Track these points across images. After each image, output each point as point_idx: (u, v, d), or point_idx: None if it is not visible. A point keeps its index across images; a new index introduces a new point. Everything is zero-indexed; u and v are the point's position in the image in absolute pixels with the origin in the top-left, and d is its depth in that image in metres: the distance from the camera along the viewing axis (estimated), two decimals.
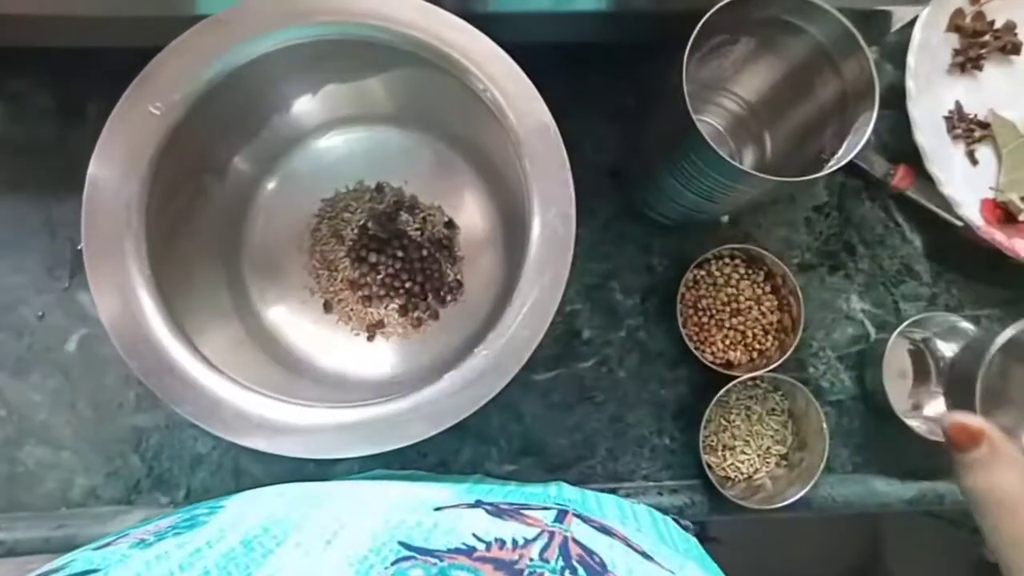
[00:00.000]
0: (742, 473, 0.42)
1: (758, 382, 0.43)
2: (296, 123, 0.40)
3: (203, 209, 0.37)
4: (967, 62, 0.48)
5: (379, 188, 0.42)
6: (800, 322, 0.41)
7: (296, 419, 0.30)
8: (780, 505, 0.39)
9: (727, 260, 0.43)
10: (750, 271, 0.43)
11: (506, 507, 0.26)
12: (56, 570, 0.18)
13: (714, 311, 0.42)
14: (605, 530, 0.26)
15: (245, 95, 0.35)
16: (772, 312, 0.43)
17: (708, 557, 0.32)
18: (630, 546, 0.25)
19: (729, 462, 0.42)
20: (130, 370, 0.41)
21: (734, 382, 0.39)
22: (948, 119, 0.47)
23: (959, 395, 0.38)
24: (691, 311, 0.42)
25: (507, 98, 0.32)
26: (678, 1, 0.35)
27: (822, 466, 0.39)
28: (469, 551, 0.20)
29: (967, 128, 0.47)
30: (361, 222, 0.42)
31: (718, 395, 0.39)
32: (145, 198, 0.31)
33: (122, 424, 0.41)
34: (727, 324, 0.42)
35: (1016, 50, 0.48)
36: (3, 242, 0.42)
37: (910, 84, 0.45)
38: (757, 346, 0.42)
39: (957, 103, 0.47)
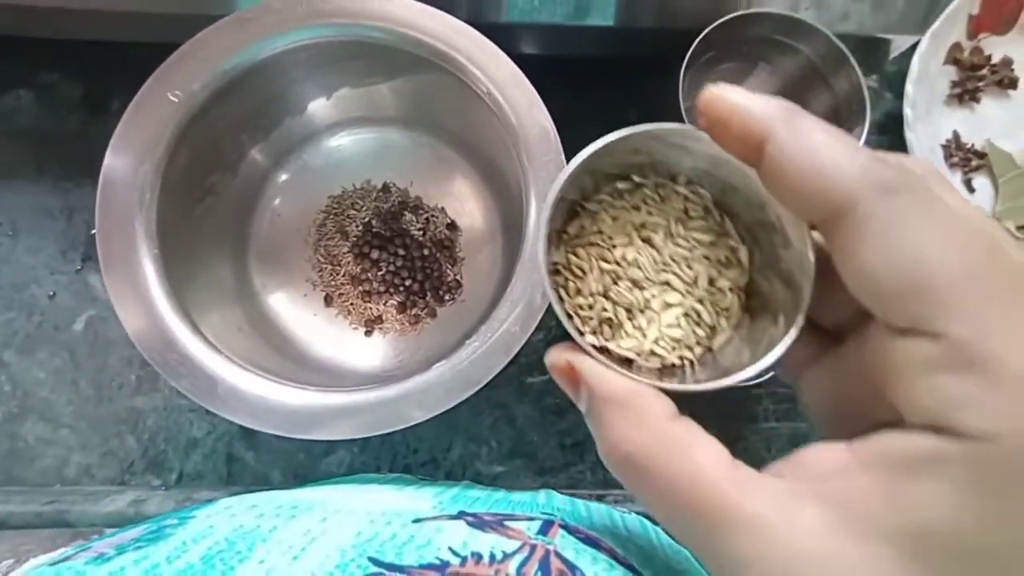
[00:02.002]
0: (685, 355, 0.18)
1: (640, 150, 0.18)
2: (308, 122, 0.42)
3: (214, 198, 0.39)
4: (965, 94, 0.49)
5: (385, 188, 0.44)
6: None
7: (290, 400, 0.31)
8: (744, 377, 0.16)
9: None
10: None
11: (489, 518, 0.25)
12: None
13: None
14: (592, 542, 0.25)
15: (262, 92, 0.37)
16: None
17: (703, 571, 0.31)
18: (616, 559, 0.24)
19: (647, 342, 0.18)
20: (133, 353, 0.42)
21: (584, 157, 0.17)
22: (945, 147, 0.48)
23: None
24: None
25: (509, 101, 0.33)
26: (679, 19, 0.37)
27: (806, 300, 0.16)
28: (442, 567, 0.20)
29: (964, 157, 0.48)
30: (366, 220, 0.43)
31: (558, 189, 0.17)
32: (159, 181, 0.33)
33: (121, 405, 0.42)
34: None
35: (1013, 85, 0.49)
36: (22, 225, 0.44)
37: (907, 111, 0.46)
38: None
39: (955, 132, 0.48)
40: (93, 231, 0.44)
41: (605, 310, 0.18)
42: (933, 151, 0.48)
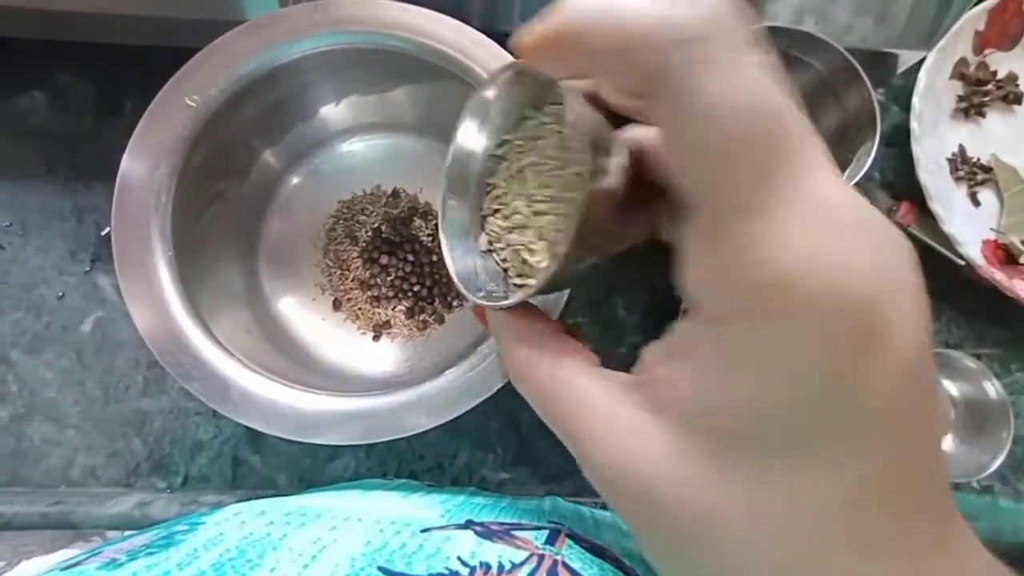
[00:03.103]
0: None
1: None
2: (321, 127, 0.42)
3: (225, 202, 0.39)
4: (970, 108, 0.49)
5: (395, 193, 0.44)
6: None
7: (301, 403, 0.31)
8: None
9: None
10: None
11: (496, 527, 0.25)
12: None
13: None
14: (598, 551, 0.25)
15: (276, 96, 0.37)
16: None
17: None
18: (622, 569, 0.24)
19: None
20: (140, 354, 0.42)
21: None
22: (951, 161, 0.48)
23: None
24: None
25: None
26: None
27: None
28: None
29: (970, 171, 0.48)
30: (375, 225, 0.44)
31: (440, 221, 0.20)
32: (174, 184, 0.33)
33: (128, 406, 0.42)
34: None
35: (1018, 100, 0.50)
36: (32, 225, 0.44)
37: (914, 125, 0.46)
38: None
39: (960, 146, 0.49)
40: (103, 232, 0.45)
41: (516, 255, 0.20)
42: (939, 164, 0.48)
